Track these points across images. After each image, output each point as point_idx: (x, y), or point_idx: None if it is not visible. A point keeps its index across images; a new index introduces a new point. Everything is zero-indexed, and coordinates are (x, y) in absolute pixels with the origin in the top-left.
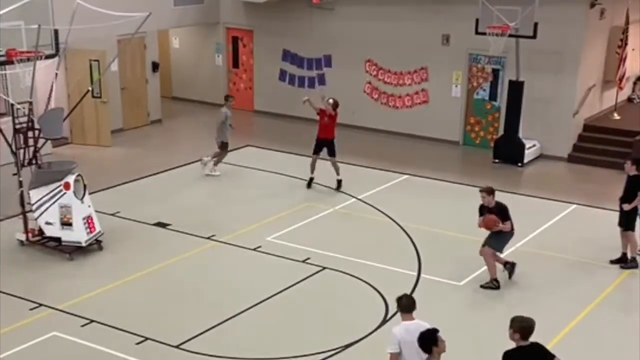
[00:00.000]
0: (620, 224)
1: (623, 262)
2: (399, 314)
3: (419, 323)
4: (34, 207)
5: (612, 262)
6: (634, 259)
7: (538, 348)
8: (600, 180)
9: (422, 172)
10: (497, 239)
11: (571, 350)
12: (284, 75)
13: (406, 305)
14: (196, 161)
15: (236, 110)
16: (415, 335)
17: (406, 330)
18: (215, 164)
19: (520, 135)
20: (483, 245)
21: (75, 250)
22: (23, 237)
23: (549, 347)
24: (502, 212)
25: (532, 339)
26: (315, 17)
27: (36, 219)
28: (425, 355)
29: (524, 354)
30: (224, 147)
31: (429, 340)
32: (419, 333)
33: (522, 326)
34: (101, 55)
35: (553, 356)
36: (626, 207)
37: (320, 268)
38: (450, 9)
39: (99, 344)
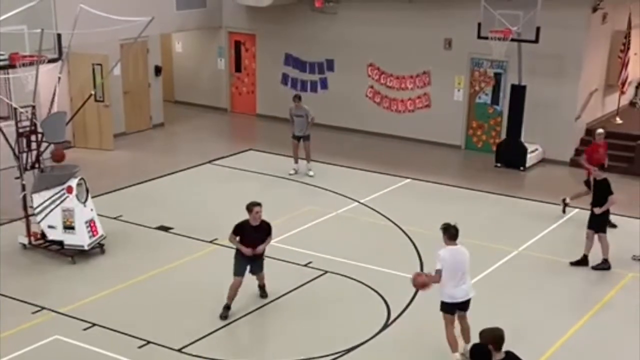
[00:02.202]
0: (590, 226)
1: (603, 263)
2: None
3: (459, 248)
4: (36, 211)
5: (594, 267)
6: (606, 260)
7: (513, 358)
8: None
9: (424, 176)
10: None
11: (574, 354)
12: (286, 79)
13: (454, 234)
14: (197, 165)
15: (238, 114)
16: (457, 256)
17: (450, 252)
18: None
19: (523, 139)
20: None
21: (78, 254)
22: (25, 241)
23: (551, 351)
24: (269, 229)
25: (533, 342)
26: (317, 21)
27: (39, 223)
28: (462, 273)
29: None
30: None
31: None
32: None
33: (494, 336)
34: (104, 59)
35: None
36: (597, 210)
37: (323, 272)
38: (452, 13)
39: (100, 347)
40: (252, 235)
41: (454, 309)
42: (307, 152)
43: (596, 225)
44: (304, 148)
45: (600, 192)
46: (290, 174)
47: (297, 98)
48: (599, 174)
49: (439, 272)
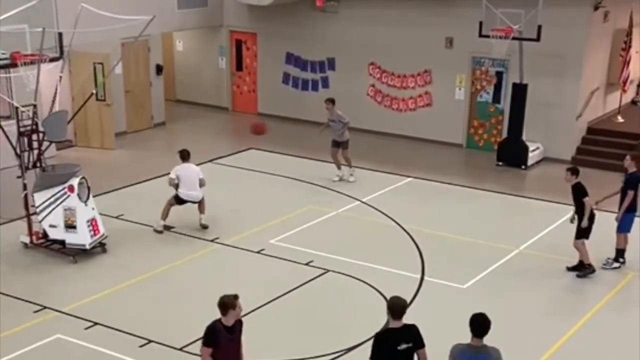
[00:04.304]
0: (579, 237)
1: (578, 270)
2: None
3: (190, 165)
4: (38, 210)
5: (569, 269)
6: (590, 265)
7: (411, 330)
8: (603, 183)
9: (425, 174)
10: None
11: (575, 352)
12: (287, 78)
13: (186, 156)
14: (198, 164)
15: (239, 113)
16: (187, 170)
17: (183, 169)
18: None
19: (524, 138)
20: None
21: (79, 253)
22: (27, 240)
23: (551, 350)
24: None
25: (533, 342)
26: (318, 20)
27: (40, 222)
28: (193, 182)
29: (394, 334)
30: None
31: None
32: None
33: (390, 303)
34: (105, 58)
35: (423, 346)
36: (583, 224)
37: (324, 271)
38: (454, 12)
39: (102, 346)
40: (228, 343)
41: (184, 202)
42: (346, 159)
43: (578, 231)
44: (342, 155)
45: (578, 197)
46: (334, 181)
47: (329, 102)
48: (570, 178)
49: (173, 180)
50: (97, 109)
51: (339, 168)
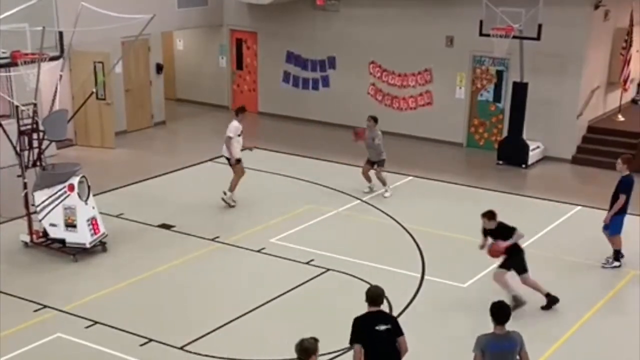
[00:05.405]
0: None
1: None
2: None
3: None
4: (38, 209)
5: (543, 307)
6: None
7: (387, 316)
8: (604, 181)
9: (426, 174)
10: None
11: (575, 352)
12: (287, 77)
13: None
14: (198, 163)
15: None
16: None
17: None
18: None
19: (524, 136)
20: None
21: (80, 252)
22: (27, 239)
23: (551, 349)
24: None
25: (533, 341)
26: (319, 19)
27: (40, 221)
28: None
29: (371, 316)
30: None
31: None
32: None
33: (367, 291)
34: (105, 57)
35: (402, 333)
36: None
37: (324, 270)
38: (454, 11)
39: (103, 345)
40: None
41: None
42: (379, 178)
43: (516, 267)
44: (376, 174)
45: (506, 237)
46: (365, 192)
47: (372, 119)
48: (488, 224)
49: None
50: (97, 108)
51: (369, 181)
